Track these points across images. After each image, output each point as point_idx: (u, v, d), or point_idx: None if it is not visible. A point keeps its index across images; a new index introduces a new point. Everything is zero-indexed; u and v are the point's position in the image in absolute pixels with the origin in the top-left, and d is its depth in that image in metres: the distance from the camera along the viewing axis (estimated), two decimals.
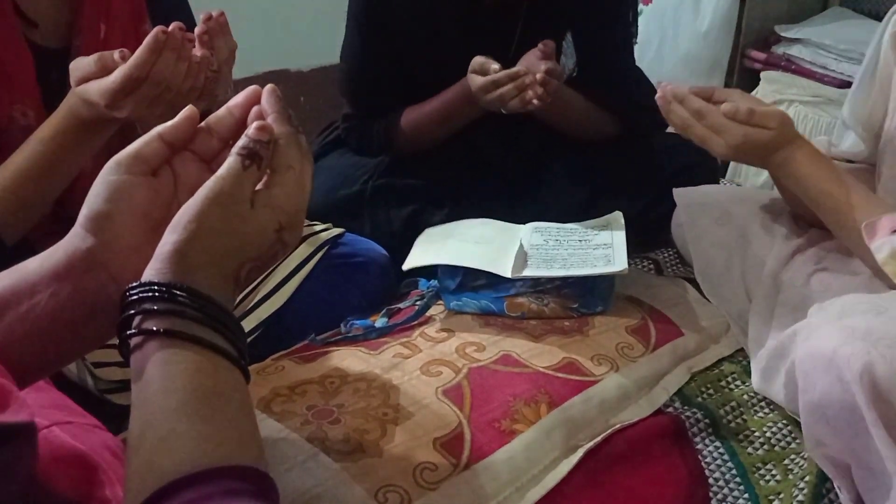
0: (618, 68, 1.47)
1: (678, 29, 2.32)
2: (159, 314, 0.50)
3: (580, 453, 0.91)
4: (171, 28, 0.88)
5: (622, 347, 1.07)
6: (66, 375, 0.98)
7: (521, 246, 1.19)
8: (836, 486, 0.87)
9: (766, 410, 1.03)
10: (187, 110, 0.61)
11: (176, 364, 0.49)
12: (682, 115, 1.04)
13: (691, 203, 1.28)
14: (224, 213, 0.53)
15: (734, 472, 0.93)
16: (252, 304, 1.13)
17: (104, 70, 0.90)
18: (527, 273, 1.12)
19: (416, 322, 1.12)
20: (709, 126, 1.02)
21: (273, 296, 1.15)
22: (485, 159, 1.48)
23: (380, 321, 1.13)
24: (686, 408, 1.02)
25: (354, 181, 1.43)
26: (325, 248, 1.22)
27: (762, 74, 2.28)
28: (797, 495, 0.89)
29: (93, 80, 0.90)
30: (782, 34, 2.29)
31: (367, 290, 1.24)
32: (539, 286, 1.13)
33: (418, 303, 1.16)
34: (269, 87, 0.61)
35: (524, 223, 1.30)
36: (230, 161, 0.55)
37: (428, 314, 1.15)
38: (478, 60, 1.25)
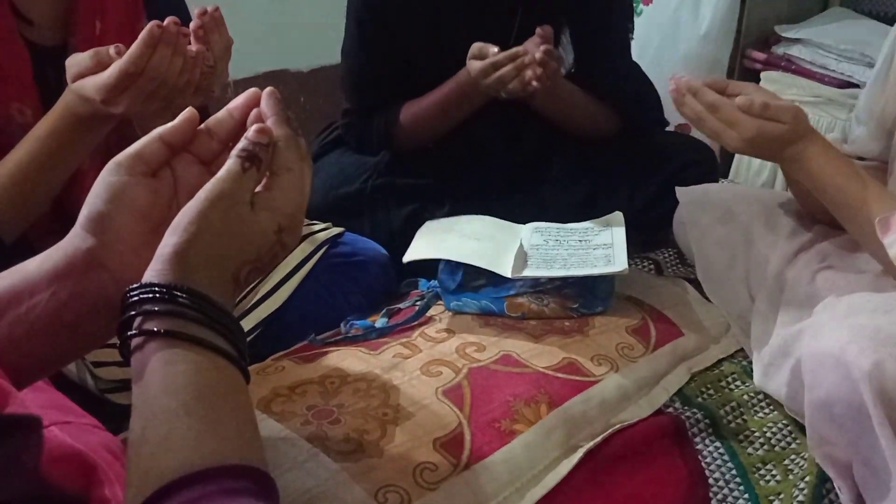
0: (616, 64, 1.47)
1: (678, 29, 2.32)
2: (160, 315, 0.50)
3: (580, 453, 0.91)
4: (165, 22, 0.88)
5: (622, 348, 1.07)
6: (66, 375, 0.98)
7: (522, 246, 1.19)
8: (836, 486, 0.87)
9: (767, 411, 1.03)
10: (187, 112, 0.61)
11: (176, 364, 0.49)
12: (695, 107, 1.03)
13: (693, 202, 1.28)
14: (224, 214, 0.54)
15: (734, 472, 0.93)
16: (251, 303, 1.13)
17: (100, 66, 0.90)
18: (527, 273, 1.12)
19: (416, 322, 1.13)
20: (722, 119, 1.00)
21: (273, 295, 1.15)
22: (485, 157, 1.48)
23: (380, 321, 1.13)
24: (686, 408, 1.02)
25: (354, 180, 1.43)
26: (325, 247, 1.22)
27: (762, 75, 2.28)
28: (797, 495, 0.89)
29: (89, 75, 0.90)
30: (782, 34, 2.29)
31: (366, 290, 1.24)
32: (539, 286, 1.13)
33: (418, 303, 1.16)
34: (268, 89, 0.61)
35: (525, 222, 1.30)
36: (230, 163, 0.55)
37: (428, 314, 1.15)
38: (476, 45, 1.26)
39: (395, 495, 0.79)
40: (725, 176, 2.22)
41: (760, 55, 2.30)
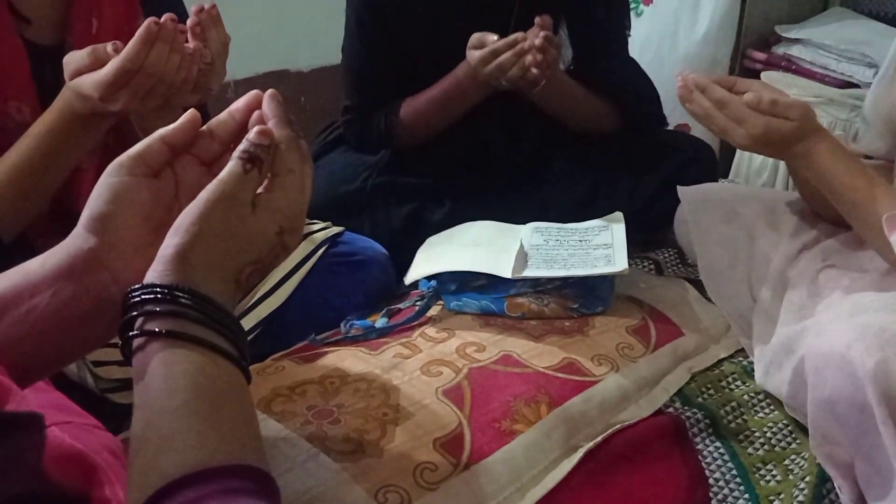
0: (614, 60, 1.48)
1: (678, 29, 2.32)
2: (161, 315, 0.50)
3: (580, 453, 0.91)
4: (163, 19, 0.88)
5: (622, 348, 1.07)
6: (66, 374, 0.98)
7: (522, 246, 1.19)
8: (836, 486, 0.87)
9: (767, 411, 1.03)
10: (189, 114, 0.61)
11: (178, 365, 0.49)
12: (703, 104, 1.02)
13: (695, 201, 1.28)
14: (225, 216, 0.54)
15: (734, 472, 0.93)
16: (251, 302, 1.13)
17: (97, 63, 0.90)
18: (527, 273, 1.12)
19: (416, 322, 1.13)
20: (730, 116, 1.00)
21: (272, 294, 1.15)
22: (485, 155, 1.49)
23: (380, 321, 1.13)
24: (686, 408, 1.02)
25: (354, 178, 1.43)
26: (325, 246, 1.22)
27: (762, 75, 2.28)
28: (797, 496, 0.89)
29: (86, 73, 0.90)
30: (783, 34, 2.29)
31: (366, 289, 1.24)
32: (539, 286, 1.13)
33: (418, 303, 1.16)
34: (270, 91, 0.61)
35: (525, 220, 1.30)
36: (231, 164, 0.56)
37: (428, 314, 1.15)
38: (475, 35, 1.27)
39: (395, 495, 0.79)
40: (726, 176, 2.22)
41: (760, 55, 2.30)
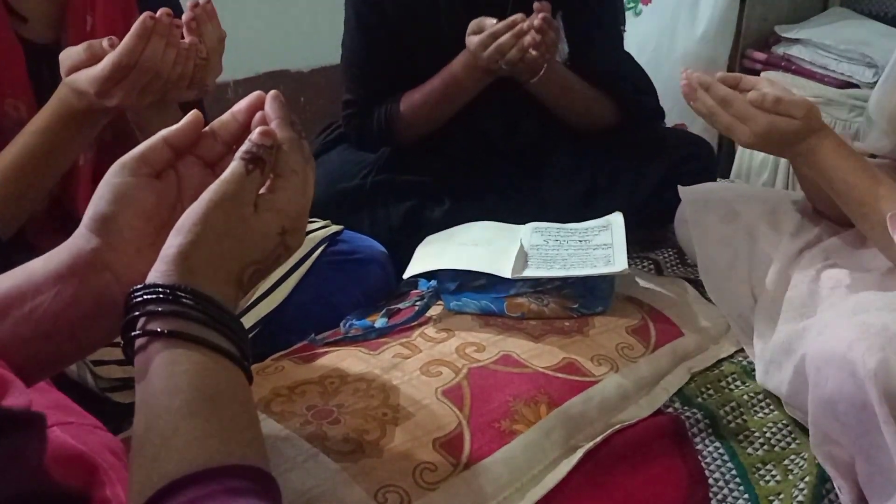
0: (610, 54, 1.49)
1: (676, 29, 2.32)
2: (163, 316, 0.50)
3: (580, 454, 0.91)
4: (158, 14, 0.88)
5: (622, 348, 1.07)
6: (66, 374, 0.98)
7: (522, 246, 1.19)
8: (836, 486, 0.87)
9: (767, 411, 1.03)
10: (192, 115, 0.61)
11: (180, 365, 0.49)
12: (707, 102, 1.03)
13: (696, 200, 1.28)
14: (228, 216, 0.54)
15: (734, 472, 0.94)
16: (250, 301, 1.13)
17: (93, 58, 0.90)
18: (527, 273, 1.12)
19: (415, 322, 1.13)
20: (734, 114, 1.00)
21: (271, 294, 1.15)
22: (484, 148, 1.49)
23: (379, 321, 1.13)
24: (686, 408, 1.02)
25: (354, 176, 1.43)
26: (324, 245, 1.22)
27: (762, 75, 2.27)
28: (797, 496, 0.89)
29: (82, 69, 0.90)
30: (782, 34, 2.29)
31: (365, 287, 1.24)
32: (539, 286, 1.13)
33: (418, 303, 1.16)
34: (272, 92, 0.61)
35: (524, 217, 1.30)
36: (234, 165, 0.56)
37: (428, 314, 1.15)
38: (474, 21, 1.28)
39: (395, 495, 0.79)
40: (727, 176, 2.22)
41: (760, 55, 2.30)
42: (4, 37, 0.98)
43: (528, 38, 1.21)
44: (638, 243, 1.42)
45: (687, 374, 1.09)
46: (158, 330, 0.50)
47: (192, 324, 0.51)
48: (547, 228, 1.26)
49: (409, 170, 1.46)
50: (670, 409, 1.02)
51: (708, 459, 0.95)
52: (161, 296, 0.51)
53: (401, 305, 1.19)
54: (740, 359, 1.14)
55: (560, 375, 0.99)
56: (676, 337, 1.12)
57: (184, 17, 0.95)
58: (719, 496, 0.91)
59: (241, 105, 0.62)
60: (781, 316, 1.07)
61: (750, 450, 0.97)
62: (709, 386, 1.08)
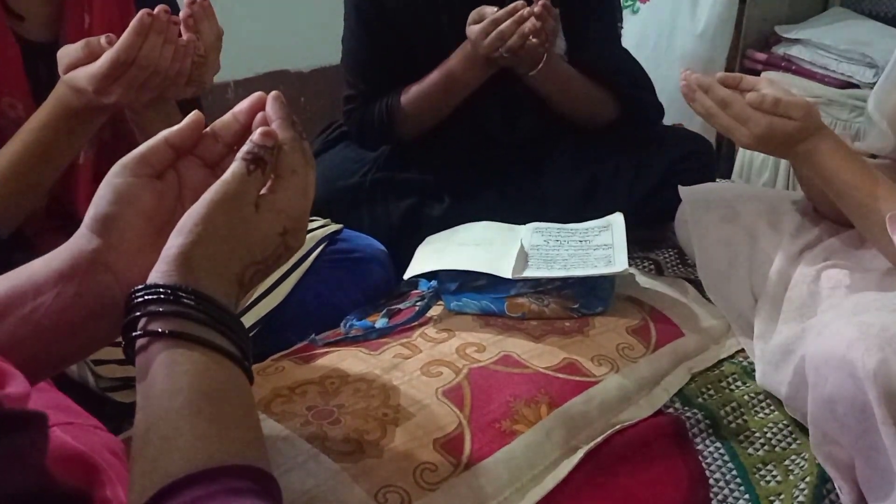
0: (609, 50, 1.49)
1: (675, 28, 2.32)
2: (164, 316, 0.50)
3: (580, 454, 0.91)
4: (156, 11, 0.89)
5: (622, 348, 1.07)
6: (67, 374, 0.98)
7: (522, 247, 1.19)
8: (837, 486, 0.87)
9: (767, 411, 1.03)
10: (193, 115, 0.61)
11: (181, 365, 0.49)
12: (706, 104, 1.03)
13: (696, 200, 1.28)
14: (229, 216, 0.54)
15: (735, 472, 0.93)
16: (250, 301, 1.13)
17: (91, 56, 0.90)
18: (527, 274, 1.12)
19: (416, 322, 1.13)
20: (733, 115, 1.00)
21: (271, 293, 1.15)
22: (484, 142, 1.49)
23: (380, 322, 1.13)
24: (686, 408, 1.02)
25: (354, 173, 1.44)
26: (324, 244, 1.22)
27: (762, 75, 2.26)
28: (798, 496, 0.89)
29: (80, 66, 0.90)
30: (782, 35, 2.29)
31: (365, 286, 1.24)
32: (539, 287, 1.13)
33: (418, 303, 1.16)
34: (273, 93, 0.61)
35: (524, 214, 1.31)
36: (235, 166, 0.56)
37: (428, 315, 1.15)
38: (475, 11, 1.29)
39: (395, 496, 0.79)
40: (728, 176, 2.22)
41: (760, 55, 2.30)
42: (1, 35, 0.98)
43: (528, 25, 1.22)
44: (638, 243, 1.42)
45: (687, 375, 1.09)
46: (159, 330, 0.50)
47: (194, 324, 0.51)
48: (547, 229, 1.26)
49: (409, 168, 1.46)
50: (671, 410, 1.02)
51: (709, 460, 0.95)
52: (162, 296, 0.51)
53: (401, 306, 1.19)
54: (741, 359, 1.13)
55: (560, 376, 0.99)
56: (677, 337, 1.12)
57: (181, 14, 0.95)
58: (720, 496, 0.91)
59: (243, 106, 0.62)
60: (781, 316, 1.07)
61: (750, 450, 0.97)
62: (709, 386, 1.08)
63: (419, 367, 1.00)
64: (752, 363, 1.10)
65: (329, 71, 2.28)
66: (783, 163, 2.09)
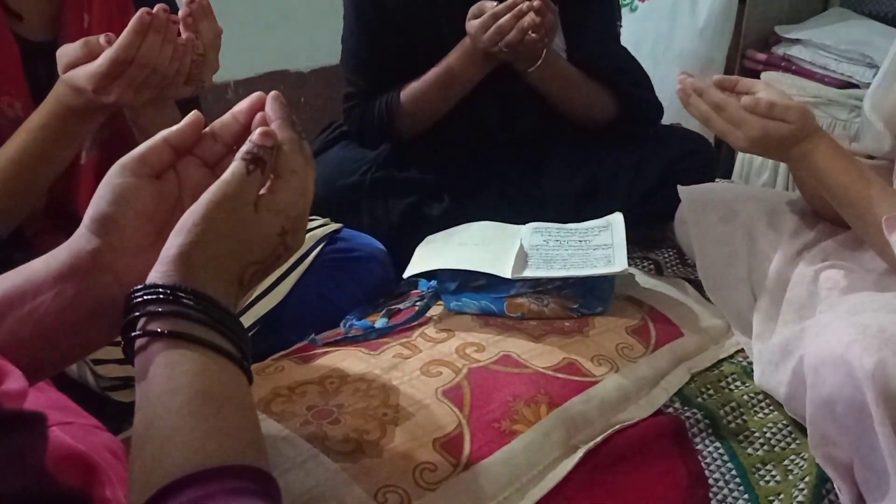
0: (607, 48, 1.50)
1: (674, 26, 2.32)
2: (164, 316, 0.50)
3: (580, 454, 0.91)
4: (155, 9, 0.89)
5: (622, 348, 1.07)
6: (67, 373, 0.98)
7: (522, 246, 1.19)
8: (836, 486, 0.87)
9: (767, 411, 1.03)
10: (192, 115, 0.61)
11: (180, 365, 0.49)
12: (701, 108, 1.03)
13: (695, 200, 1.28)
14: (228, 216, 0.54)
15: (734, 472, 0.94)
16: (250, 300, 1.13)
17: (90, 55, 0.90)
18: (527, 273, 1.12)
19: (415, 322, 1.13)
20: (728, 119, 1.01)
21: (271, 292, 1.15)
22: (483, 139, 1.49)
23: (379, 322, 1.13)
24: (686, 408, 1.02)
25: (353, 172, 1.44)
26: (323, 243, 1.22)
27: (762, 75, 2.28)
28: (797, 496, 0.89)
29: (79, 65, 0.90)
30: (782, 35, 2.29)
31: (365, 285, 1.24)
32: (539, 286, 1.13)
33: (418, 303, 1.16)
34: (273, 93, 0.61)
35: (524, 214, 1.31)
36: (234, 166, 0.56)
37: (428, 315, 1.15)
38: (475, 6, 1.29)
39: (395, 495, 0.79)
40: (728, 176, 2.22)
41: (760, 55, 2.30)
42: (0, 35, 0.98)
43: (527, 19, 1.23)
44: (638, 243, 1.42)
45: (687, 375, 1.09)
46: (159, 330, 0.50)
47: (193, 324, 0.51)
48: (547, 228, 1.26)
49: (409, 167, 1.46)
50: (670, 410, 1.02)
51: (708, 460, 0.95)
52: (161, 296, 0.51)
53: (401, 305, 1.19)
54: (740, 359, 1.14)
55: (560, 375, 0.99)
56: (676, 337, 1.12)
57: (180, 13, 0.95)
58: (719, 496, 0.91)
59: (242, 106, 0.62)
60: (781, 317, 1.07)
61: (750, 450, 0.97)
62: (709, 386, 1.08)
63: (419, 366, 1.00)
64: (751, 363, 1.10)
65: (329, 71, 2.28)
66: (783, 163, 2.09)
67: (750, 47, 2.32)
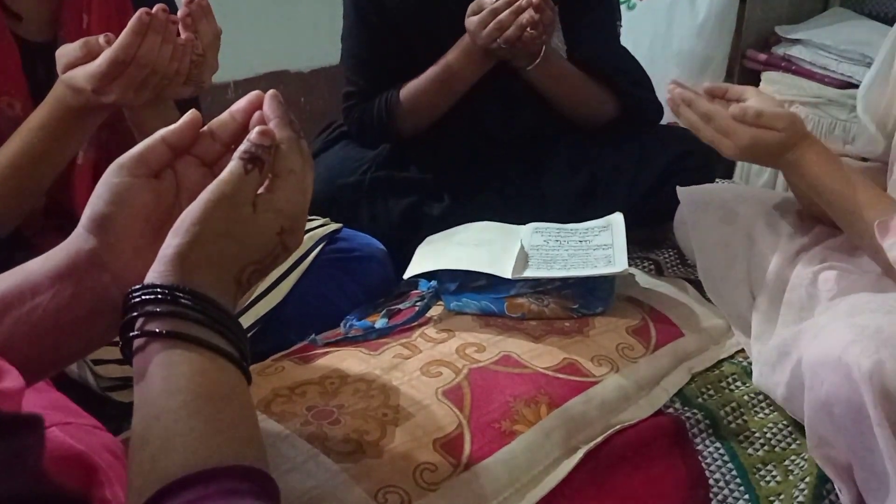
0: (608, 48, 1.50)
1: (672, 25, 2.31)
2: (162, 316, 0.50)
3: (580, 454, 0.91)
4: (154, 10, 0.89)
5: (622, 348, 1.07)
6: (67, 373, 0.98)
7: (522, 247, 1.19)
8: (836, 487, 0.87)
9: (767, 411, 1.03)
10: (190, 114, 0.61)
11: (178, 365, 0.49)
12: (690, 118, 1.05)
13: (695, 201, 1.28)
14: (226, 216, 0.54)
15: (734, 472, 0.93)
16: (249, 300, 1.13)
17: (90, 55, 0.90)
18: (527, 274, 1.12)
19: (416, 323, 1.13)
20: (717, 129, 1.03)
21: (270, 292, 1.15)
22: (482, 138, 1.49)
23: (380, 322, 1.13)
24: (686, 408, 1.02)
25: (353, 172, 1.44)
26: (323, 243, 1.22)
27: (763, 75, 2.28)
28: (797, 496, 0.89)
29: (79, 65, 0.90)
30: (783, 35, 2.29)
31: (365, 285, 1.24)
32: (539, 287, 1.13)
33: (418, 303, 1.16)
34: (271, 92, 0.61)
35: (523, 214, 1.31)
36: (232, 165, 0.56)
37: (428, 315, 1.15)
38: (475, 2, 1.29)
39: (395, 496, 0.79)
40: (729, 177, 2.21)
41: (760, 55, 2.30)
42: (0, 36, 0.98)
43: (526, 16, 1.23)
44: (638, 243, 1.42)
45: (687, 375, 1.08)
46: (157, 330, 0.50)
47: (191, 324, 0.50)
48: (547, 229, 1.26)
49: (409, 167, 1.46)
50: (671, 410, 1.02)
51: (708, 460, 0.95)
52: (159, 296, 0.51)
53: (401, 306, 1.19)
54: (741, 359, 1.13)
55: (560, 376, 0.99)
56: (677, 337, 1.12)
57: (179, 13, 0.95)
58: (720, 497, 0.91)
59: (240, 105, 0.62)
60: (780, 319, 1.07)
61: (750, 450, 0.97)
62: (709, 386, 1.08)
63: (419, 367, 0.99)
64: (752, 363, 1.09)
65: (329, 71, 2.28)
66: None
67: (750, 47, 2.32)
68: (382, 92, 1.44)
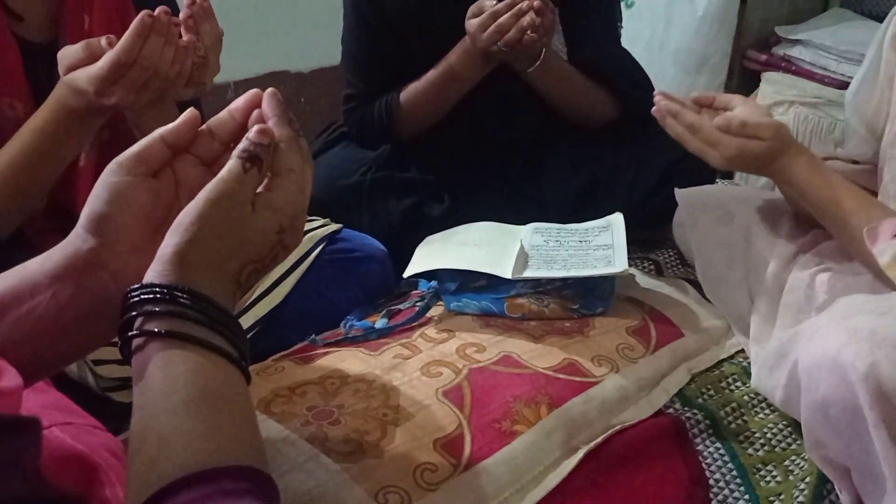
0: (608, 49, 1.50)
1: (670, 22, 2.31)
2: (161, 316, 0.50)
3: (580, 454, 0.91)
4: (156, 12, 0.89)
5: (622, 348, 1.07)
6: (67, 374, 0.98)
7: (522, 247, 1.19)
8: (836, 487, 0.87)
9: (767, 412, 1.03)
10: (188, 113, 0.61)
11: (177, 365, 0.49)
12: (676, 129, 1.07)
13: (693, 203, 1.29)
14: (225, 215, 0.54)
15: (735, 473, 0.93)
16: (249, 300, 1.13)
17: (92, 57, 0.90)
18: (527, 274, 1.12)
19: (416, 323, 1.12)
20: (703, 139, 1.04)
21: (271, 292, 1.15)
22: (482, 139, 1.49)
23: (380, 322, 1.13)
24: (686, 409, 1.02)
25: (353, 172, 1.44)
26: (323, 243, 1.22)
27: (762, 75, 2.28)
28: (798, 496, 0.89)
29: (81, 67, 0.90)
30: (782, 35, 2.29)
31: (365, 286, 1.24)
32: (539, 287, 1.13)
33: (418, 304, 1.16)
34: (269, 90, 0.61)
35: (523, 214, 1.31)
36: (231, 164, 0.55)
37: (428, 315, 1.15)
38: (475, 5, 1.29)
39: (396, 496, 0.79)
40: (730, 177, 2.21)
41: (760, 56, 2.30)
42: (1, 36, 0.98)
43: (526, 19, 1.23)
44: (638, 244, 1.42)
45: (687, 375, 1.08)
46: (156, 330, 0.50)
47: (190, 324, 0.50)
48: (547, 229, 1.26)
49: (409, 167, 1.46)
50: (671, 410, 1.02)
51: (709, 460, 0.95)
52: (158, 296, 0.50)
53: (401, 306, 1.19)
54: (741, 359, 1.13)
55: (560, 376, 0.99)
56: (677, 337, 1.12)
57: (181, 15, 0.95)
58: (720, 497, 0.90)
59: (239, 103, 0.62)
60: (778, 321, 1.08)
61: (751, 450, 0.97)
62: (709, 387, 1.08)
63: (419, 367, 0.99)
64: (751, 364, 1.09)
65: (329, 71, 2.28)
66: None
67: (750, 48, 2.32)
68: (382, 94, 1.44)
